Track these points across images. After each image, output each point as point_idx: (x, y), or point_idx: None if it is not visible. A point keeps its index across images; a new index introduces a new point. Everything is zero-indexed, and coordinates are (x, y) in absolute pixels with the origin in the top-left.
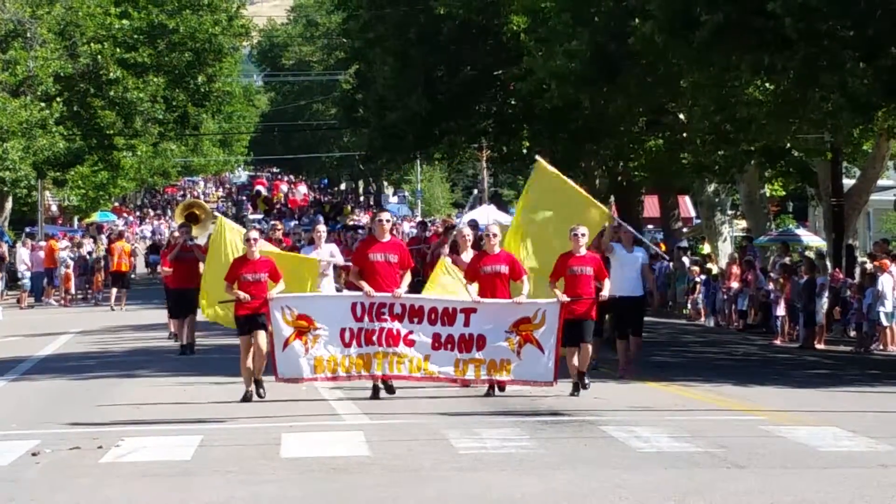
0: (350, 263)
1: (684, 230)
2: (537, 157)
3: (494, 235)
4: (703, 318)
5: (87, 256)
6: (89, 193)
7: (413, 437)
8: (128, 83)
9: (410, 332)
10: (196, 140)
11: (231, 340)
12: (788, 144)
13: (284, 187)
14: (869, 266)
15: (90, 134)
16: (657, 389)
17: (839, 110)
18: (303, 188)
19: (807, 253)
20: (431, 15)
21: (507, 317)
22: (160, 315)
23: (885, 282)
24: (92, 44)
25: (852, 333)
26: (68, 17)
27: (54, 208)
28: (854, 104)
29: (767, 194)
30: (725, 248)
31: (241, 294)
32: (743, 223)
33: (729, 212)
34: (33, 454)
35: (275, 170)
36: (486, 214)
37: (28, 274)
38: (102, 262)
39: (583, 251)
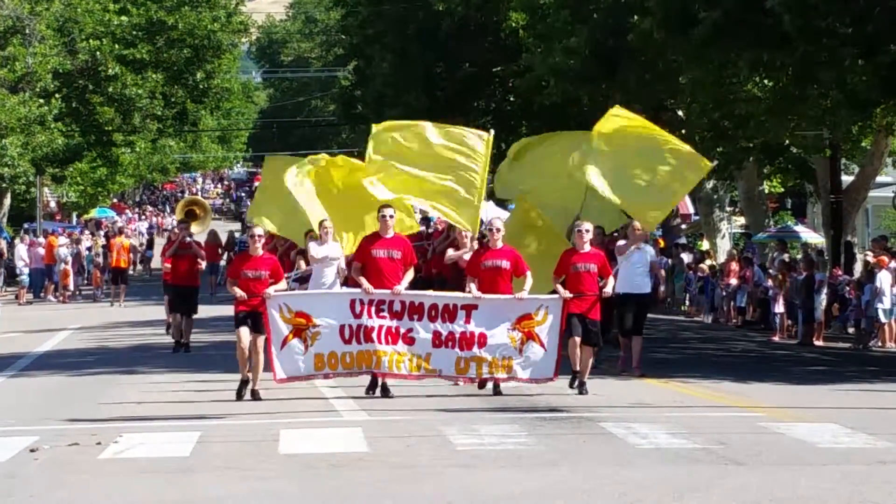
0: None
1: (683, 227)
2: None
3: (498, 230)
4: (701, 315)
5: (86, 252)
6: (88, 190)
7: (411, 433)
8: (126, 79)
9: (410, 330)
10: (195, 136)
11: (229, 337)
12: (787, 141)
13: None
14: (871, 258)
15: (89, 130)
16: (656, 386)
17: (838, 107)
18: None
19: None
20: (430, 11)
21: (508, 313)
22: (159, 311)
23: (883, 278)
24: (91, 40)
25: (851, 330)
26: (67, 14)
27: (53, 205)
28: (853, 101)
29: (766, 191)
30: (724, 245)
31: (239, 292)
32: (742, 220)
33: (728, 208)
34: (32, 450)
35: None
36: (486, 211)
37: (26, 270)
38: (101, 259)
39: (587, 248)
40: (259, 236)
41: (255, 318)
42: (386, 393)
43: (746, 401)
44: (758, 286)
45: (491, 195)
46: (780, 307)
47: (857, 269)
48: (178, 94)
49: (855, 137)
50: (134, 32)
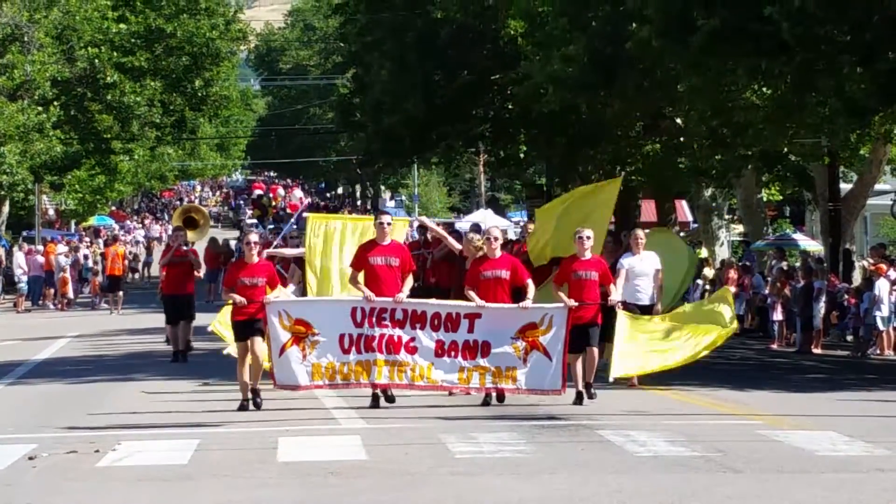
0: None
1: (681, 234)
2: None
3: (496, 239)
4: None
5: (83, 260)
6: (86, 197)
7: (410, 441)
8: (125, 87)
9: (413, 339)
10: (193, 144)
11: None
12: (785, 149)
13: (282, 191)
14: (868, 265)
15: (87, 138)
16: (654, 394)
17: (836, 115)
18: (298, 192)
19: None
20: (429, 19)
21: (512, 322)
22: (157, 319)
23: (881, 286)
24: (89, 48)
25: (849, 338)
26: (66, 22)
27: (51, 212)
28: (851, 109)
29: (764, 199)
30: (722, 253)
31: (238, 298)
32: (740, 227)
33: (726, 216)
34: (30, 458)
35: (272, 174)
36: (484, 219)
37: (25, 278)
38: (99, 266)
39: (588, 255)
40: (255, 243)
41: (253, 326)
42: (389, 399)
43: (745, 408)
44: (756, 294)
45: (490, 202)
46: (778, 315)
47: (856, 276)
48: (176, 101)
49: (853, 145)
50: (132, 40)
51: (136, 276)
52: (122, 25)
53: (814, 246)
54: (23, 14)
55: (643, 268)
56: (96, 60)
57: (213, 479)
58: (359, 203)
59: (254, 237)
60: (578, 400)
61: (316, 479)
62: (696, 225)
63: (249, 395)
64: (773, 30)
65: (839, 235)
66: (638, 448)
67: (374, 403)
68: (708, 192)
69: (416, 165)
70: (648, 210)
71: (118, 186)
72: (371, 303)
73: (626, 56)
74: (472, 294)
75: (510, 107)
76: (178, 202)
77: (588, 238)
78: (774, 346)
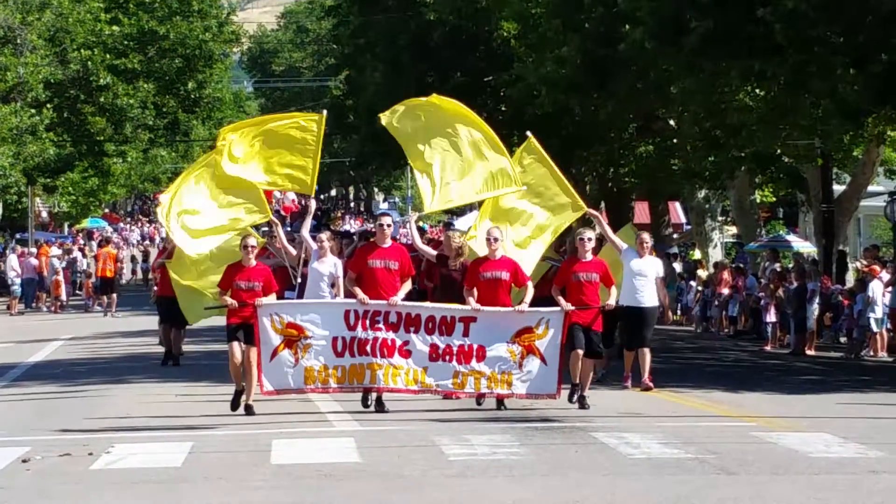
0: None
1: (675, 236)
2: (529, 134)
3: (496, 240)
4: (693, 325)
5: (75, 262)
6: (79, 200)
7: (403, 443)
8: (118, 89)
9: (406, 343)
10: (186, 146)
11: (220, 347)
12: (779, 150)
13: (277, 193)
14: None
15: (80, 140)
16: (648, 396)
17: (829, 116)
18: (291, 194)
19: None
20: (422, 21)
21: (508, 326)
22: (151, 321)
23: (875, 288)
24: (82, 50)
25: (843, 339)
26: (58, 24)
27: (45, 215)
28: (844, 110)
29: (758, 200)
30: (716, 255)
31: (229, 300)
32: (733, 229)
33: (719, 218)
34: (24, 461)
35: None
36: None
37: (18, 280)
38: (92, 268)
39: (588, 256)
40: (252, 247)
41: (247, 331)
42: (381, 407)
43: (738, 410)
44: (750, 295)
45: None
46: (772, 317)
47: (849, 278)
48: (169, 103)
49: (846, 147)
50: (125, 42)
51: (133, 277)
52: (114, 27)
53: (807, 247)
54: (15, 16)
55: (645, 270)
56: (89, 63)
57: (206, 481)
58: (352, 205)
59: (251, 241)
60: (572, 397)
61: (309, 481)
62: (689, 226)
63: (244, 384)
64: (766, 32)
65: (832, 237)
66: (632, 450)
67: (365, 402)
68: (701, 194)
69: (409, 167)
70: (642, 211)
71: (111, 189)
72: (365, 305)
73: (620, 58)
74: (469, 298)
75: (503, 108)
76: None
77: (590, 240)
78: (768, 348)
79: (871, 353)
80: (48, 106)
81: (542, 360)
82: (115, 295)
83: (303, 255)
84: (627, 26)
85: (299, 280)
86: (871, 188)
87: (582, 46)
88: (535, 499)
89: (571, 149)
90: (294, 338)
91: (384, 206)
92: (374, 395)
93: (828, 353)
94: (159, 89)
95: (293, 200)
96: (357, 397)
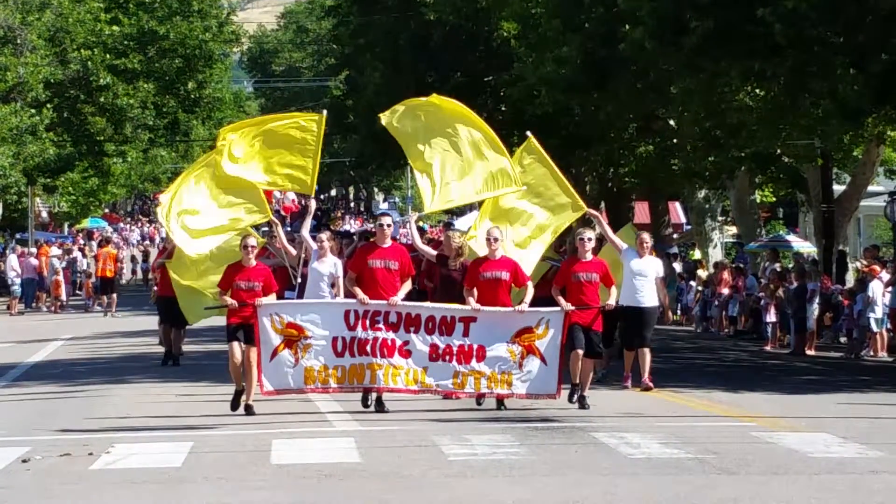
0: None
1: (674, 236)
2: (529, 134)
3: (496, 240)
4: (693, 325)
5: (75, 262)
6: (79, 200)
7: (403, 443)
8: (118, 89)
9: (406, 343)
10: (186, 146)
11: (220, 347)
12: (779, 150)
13: (277, 194)
14: (861, 265)
15: (80, 140)
16: (647, 396)
17: (829, 116)
18: (291, 194)
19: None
20: (422, 21)
21: (508, 326)
22: (151, 321)
23: (875, 288)
24: (82, 50)
25: (843, 339)
26: (58, 24)
27: (45, 215)
28: (844, 110)
29: (758, 200)
30: (716, 255)
31: (229, 300)
32: (733, 229)
33: (719, 218)
34: (24, 461)
35: None
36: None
37: (18, 280)
38: (91, 268)
39: (589, 256)
40: (252, 247)
41: (247, 331)
42: (381, 407)
43: (738, 410)
44: (750, 295)
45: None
46: (772, 317)
47: (849, 278)
48: (169, 103)
49: (846, 147)
50: (125, 42)
51: (133, 277)
52: (114, 27)
53: (807, 247)
54: (15, 16)
55: (645, 270)
56: (89, 63)
57: (206, 481)
58: (352, 205)
59: (251, 241)
60: (572, 397)
61: (309, 481)
62: (689, 226)
63: (244, 384)
64: (765, 31)
65: (832, 237)
66: (631, 450)
67: (364, 400)
68: (701, 194)
69: (409, 167)
70: (642, 211)
71: (111, 189)
72: (365, 305)
73: (620, 58)
74: (469, 298)
75: (503, 108)
76: None
77: (590, 240)
78: (768, 348)
79: (871, 353)
80: (48, 106)
81: (542, 360)
82: (115, 295)
83: (303, 255)
84: (627, 26)
85: (299, 280)
86: (871, 188)
87: (582, 46)
88: (534, 498)
89: (571, 149)
90: (294, 338)
91: (384, 206)
92: (374, 395)
93: (828, 353)
94: (159, 89)
95: (293, 200)
96: (357, 397)
